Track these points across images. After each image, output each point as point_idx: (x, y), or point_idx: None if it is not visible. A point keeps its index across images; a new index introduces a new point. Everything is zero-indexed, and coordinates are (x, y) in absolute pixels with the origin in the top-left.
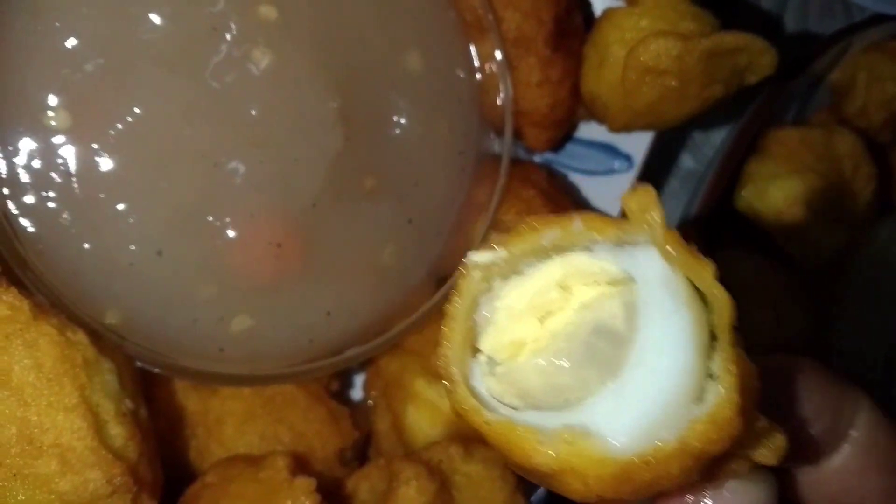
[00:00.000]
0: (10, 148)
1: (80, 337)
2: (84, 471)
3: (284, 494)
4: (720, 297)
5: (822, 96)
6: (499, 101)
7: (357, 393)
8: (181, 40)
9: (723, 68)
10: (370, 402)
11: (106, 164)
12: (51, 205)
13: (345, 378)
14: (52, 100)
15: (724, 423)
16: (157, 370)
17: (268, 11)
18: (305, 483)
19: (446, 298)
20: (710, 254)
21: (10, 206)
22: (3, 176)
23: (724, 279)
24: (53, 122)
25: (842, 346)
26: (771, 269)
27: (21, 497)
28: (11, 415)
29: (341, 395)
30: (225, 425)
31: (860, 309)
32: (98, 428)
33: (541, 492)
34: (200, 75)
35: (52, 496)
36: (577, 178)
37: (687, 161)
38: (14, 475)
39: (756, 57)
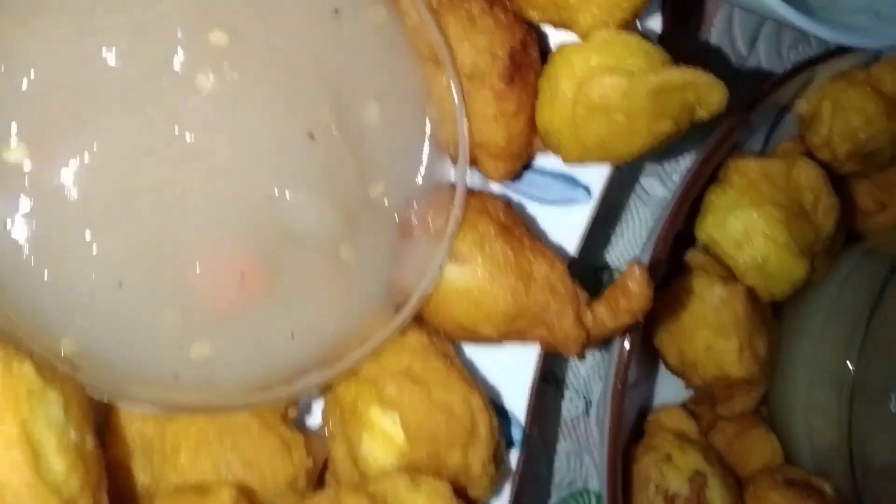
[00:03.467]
0: None
1: (26, 369)
2: None
3: None
4: None
5: (789, 126)
6: (453, 132)
7: (316, 420)
8: (133, 75)
9: (671, 104)
10: (328, 430)
11: (65, 198)
12: (10, 237)
13: (304, 405)
14: (10, 135)
15: None
16: (108, 400)
17: (219, 37)
18: None
19: (403, 326)
20: (675, 280)
21: None
22: None
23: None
24: (11, 158)
25: (801, 375)
26: (734, 297)
27: None
28: None
29: (300, 422)
30: (180, 453)
31: (819, 342)
32: (37, 462)
33: None
34: (154, 110)
35: None
36: (536, 208)
37: (657, 188)
38: None
39: (705, 93)
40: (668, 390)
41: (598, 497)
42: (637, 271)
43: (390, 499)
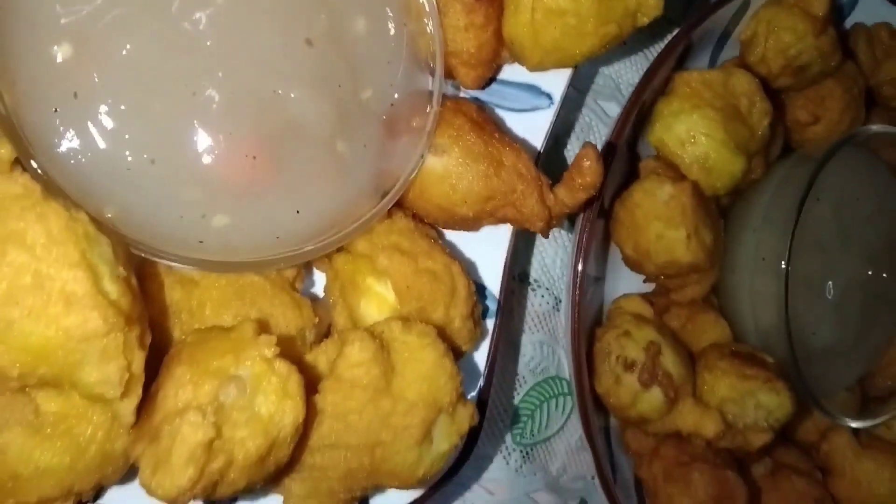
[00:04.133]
0: (23, 70)
1: (82, 215)
2: (84, 311)
3: (251, 346)
4: None
5: (731, 50)
6: (432, 44)
7: (320, 294)
8: None
9: (614, 10)
10: (331, 301)
11: (104, 90)
12: (58, 120)
13: (308, 280)
14: (58, 36)
15: None
16: (144, 255)
17: None
18: (268, 338)
19: (390, 205)
20: (630, 181)
21: (24, 118)
22: (17, 92)
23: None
24: (59, 54)
25: (745, 264)
26: (682, 193)
27: (35, 331)
28: (26, 266)
29: (308, 297)
30: (205, 308)
31: (759, 234)
32: (96, 281)
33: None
34: (171, 15)
35: (59, 332)
36: (505, 115)
37: (614, 109)
38: (28, 314)
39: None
40: (628, 287)
41: (568, 382)
42: (589, 150)
43: (386, 336)
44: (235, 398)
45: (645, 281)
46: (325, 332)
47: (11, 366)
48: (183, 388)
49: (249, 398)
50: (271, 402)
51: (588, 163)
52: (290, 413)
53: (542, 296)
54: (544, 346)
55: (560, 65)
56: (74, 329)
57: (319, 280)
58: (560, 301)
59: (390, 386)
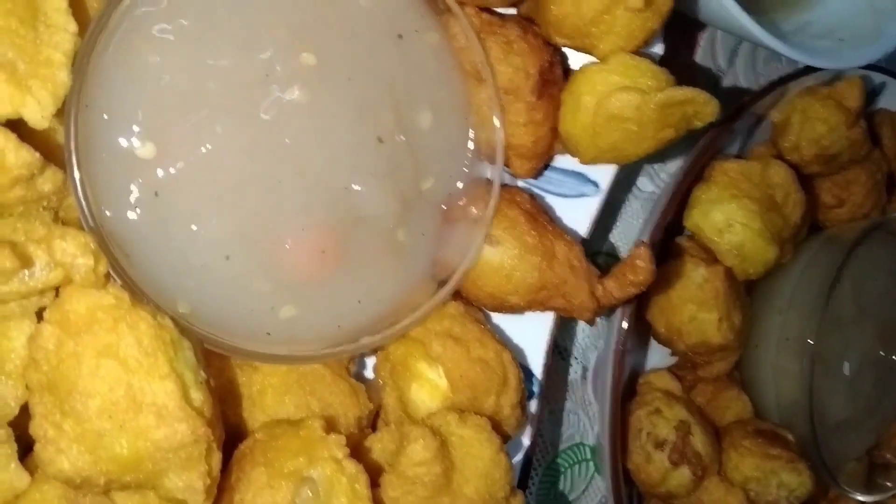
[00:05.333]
0: (104, 171)
1: (167, 321)
2: (174, 424)
3: (321, 447)
4: None
5: (763, 132)
6: (492, 137)
7: (369, 374)
8: (239, 86)
9: (673, 116)
10: (380, 381)
11: (184, 187)
12: (138, 219)
13: (359, 362)
14: (141, 134)
15: None
16: (216, 350)
17: (308, 58)
18: (337, 438)
19: (447, 297)
20: (665, 263)
21: (106, 217)
22: (100, 194)
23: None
24: (141, 153)
25: (770, 343)
26: (716, 277)
27: (125, 443)
28: (119, 379)
29: (357, 375)
30: (266, 395)
31: (785, 316)
32: (184, 392)
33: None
34: (255, 115)
35: (149, 443)
36: (552, 200)
37: (647, 185)
38: (121, 427)
39: (701, 107)
40: (655, 358)
41: (592, 449)
42: (643, 250)
43: (443, 430)
44: (310, 501)
45: (672, 355)
46: (374, 413)
47: (99, 475)
48: (261, 492)
49: (324, 501)
50: None
51: (642, 263)
52: None
53: (571, 364)
54: (570, 415)
55: (613, 162)
56: (163, 441)
57: (369, 358)
58: (587, 370)
59: (450, 482)
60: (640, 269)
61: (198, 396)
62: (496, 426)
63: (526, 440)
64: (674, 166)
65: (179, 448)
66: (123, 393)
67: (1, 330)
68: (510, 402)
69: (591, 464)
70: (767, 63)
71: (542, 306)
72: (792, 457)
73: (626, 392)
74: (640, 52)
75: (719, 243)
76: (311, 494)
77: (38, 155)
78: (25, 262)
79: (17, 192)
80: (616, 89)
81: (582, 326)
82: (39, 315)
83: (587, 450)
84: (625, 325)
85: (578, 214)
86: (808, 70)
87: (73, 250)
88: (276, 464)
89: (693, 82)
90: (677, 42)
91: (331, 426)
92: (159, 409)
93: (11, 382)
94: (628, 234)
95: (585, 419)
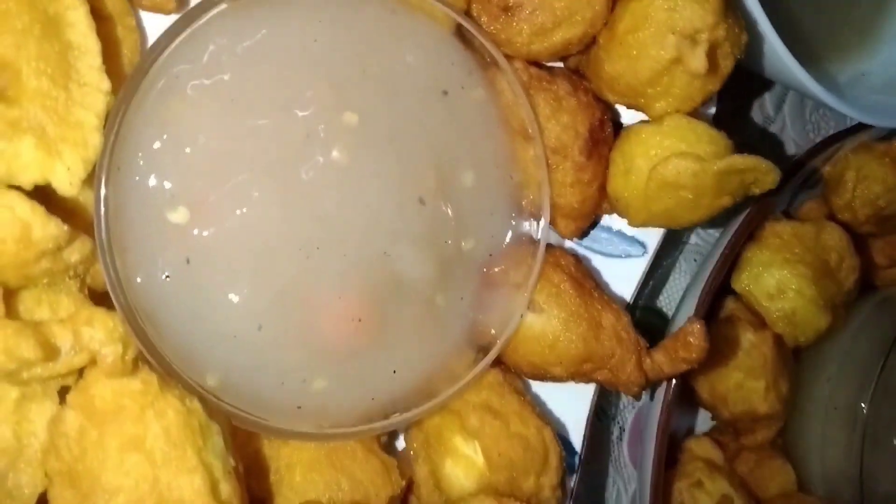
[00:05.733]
0: (134, 236)
1: (196, 405)
2: None
3: None
4: None
5: (814, 187)
6: (537, 198)
7: (400, 443)
8: (278, 146)
9: (732, 183)
10: (412, 452)
11: (217, 254)
12: (168, 286)
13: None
14: (174, 198)
15: None
16: (245, 427)
17: (350, 117)
18: None
19: (487, 367)
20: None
21: (136, 285)
22: (130, 260)
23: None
24: (174, 219)
25: (817, 412)
26: (763, 343)
27: None
28: (145, 474)
29: (387, 445)
30: (294, 472)
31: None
32: (212, 486)
33: None
34: (294, 178)
35: None
36: (598, 260)
37: (693, 238)
38: None
39: (762, 175)
40: (694, 420)
41: None
42: (697, 327)
43: None
44: None
45: (712, 419)
46: (406, 488)
47: None
48: None
49: None
50: None
51: (695, 341)
52: None
53: (608, 426)
54: (604, 476)
55: (664, 226)
56: None
57: None
58: (623, 430)
59: None
60: (694, 346)
61: (226, 488)
62: None
63: None
64: (719, 219)
65: None
66: (149, 489)
67: (21, 412)
68: (550, 484)
69: None
70: (815, 110)
71: (585, 378)
72: None
73: (666, 458)
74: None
75: (770, 309)
76: None
77: (65, 227)
78: (50, 353)
79: (43, 265)
80: (672, 155)
81: None
82: (62, 394)
83: None
84: (668, 402)
85: (624, 275)
86: (863, 126)
87: (101, 336)
88: None
89: (742, 133)
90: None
91: None
92: None
93: (31, 470)
94: (669, 286)
95: (620, 481)
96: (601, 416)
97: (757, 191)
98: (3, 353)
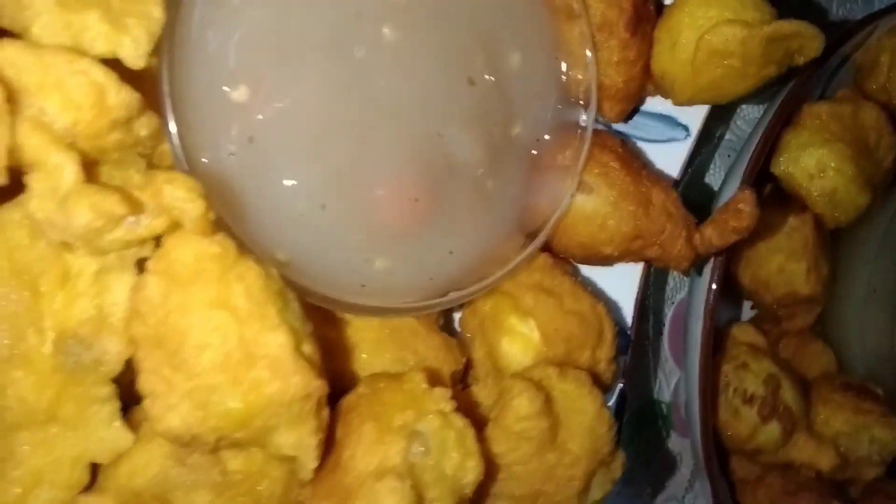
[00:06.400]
0: (199, 115)
1: (274, 272)
2: (288, 377)
3: (427, 400)
4: None
5: (846, 74)
6: (583, 77)
7: (455, 328)
8: (331, 24)
9: (778, 51)
10: (468, 335)
11: (278, 132)
12: (235, 166)
13: (445, 315)
14: (234, 75)
15: None
16: (314, 302)
17: None
18: (443, 392)
19: (538, 248)
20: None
21: (202, 165)
22: (195, 140)
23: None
24: (235, 96)
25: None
26: (804, 226)
27: (238, 398)
28: (232, 331)
29: (445, 329)
30: (361, 350)
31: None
32: (297, 344)
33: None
34: (347, 56)
35: (262, 398)
36: (641, 145)
37: (728, 135)
38: (234, 380)
39: (807, 41)
40: (732, 313)
41: (668, 406)
42: (747, 194)
43: (544, 384)
44: (423, 457)
45: (752, 308)
46: (464, 368)
47: (210, 432)
48: (372, 448)
49: (436, 457)
50: (454, 460)
51: (746, 207)
52: (472, 471)
53: (648, 320)
54: (643, 371)
55: (710, 102)
56: (277, 396)
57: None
58: (663, 325)
59: (555, 438)
60: (745, 213)
61: (308, 348)
62: (593, 380)
63: (615, 397)
64: (750, 112)
65: (292, 403)
66: (236, 345)
67: (102, 283)
68: (606, 357)
69: (666, 421)
70: (842, 4)
71: (635, 256)
72: (884, 412)
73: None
74: None
75: (810, 189)
76: (422, 449)
77: (138, 95)
78: (135, 208)
79: (116, 136)
80: (720, 23)
81: (661, 281)
82: (138, 267)
83: (663, 407)
84: (715, 280)
85: (668, 160)
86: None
87: (183, 194)
88: (384, 418)
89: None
90: None
91: (433, 379)
92: (273, 361)
93: (115, 338)
94: (706, 181)
95: (662, 375)
96: (642, 312)
97: (801, 60)
98: (91, 210)
